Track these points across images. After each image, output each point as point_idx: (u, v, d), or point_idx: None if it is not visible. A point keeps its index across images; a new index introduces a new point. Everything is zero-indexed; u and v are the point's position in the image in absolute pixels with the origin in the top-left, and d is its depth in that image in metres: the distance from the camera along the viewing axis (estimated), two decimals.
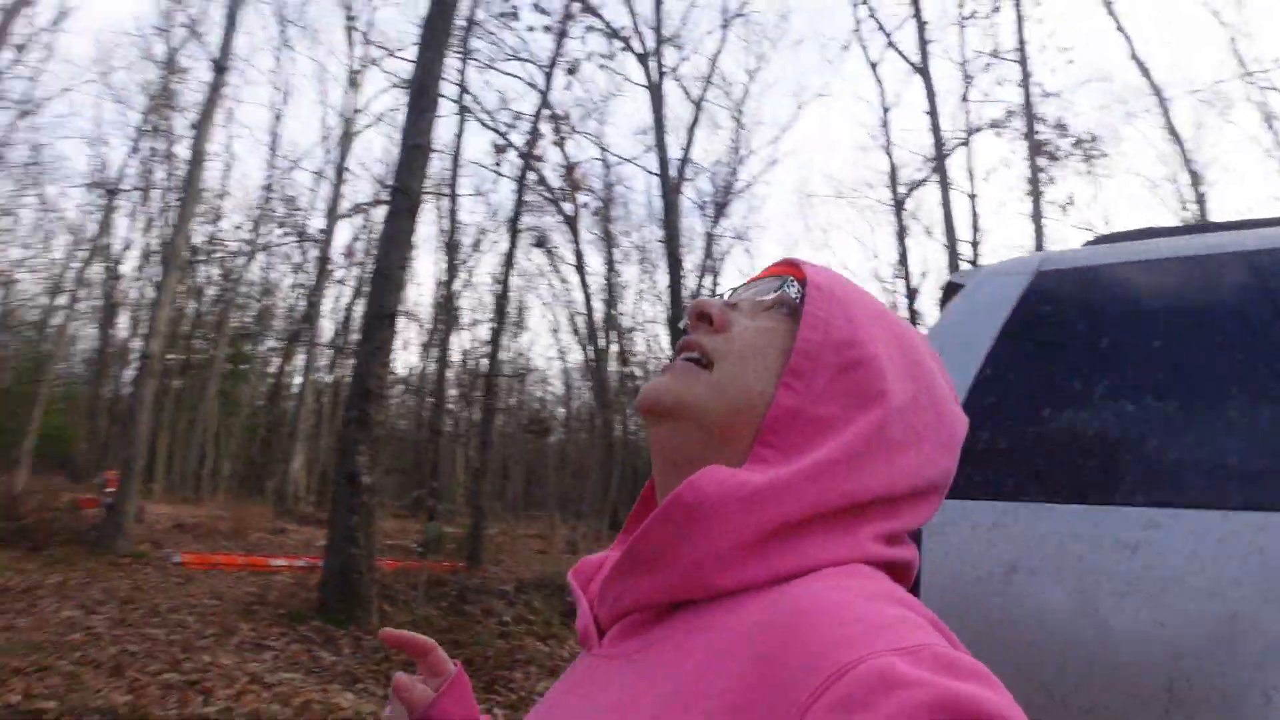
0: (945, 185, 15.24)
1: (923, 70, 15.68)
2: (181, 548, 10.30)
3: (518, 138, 16.51)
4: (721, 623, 0.44)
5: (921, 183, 22.00)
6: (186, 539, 11.80)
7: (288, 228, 26.38)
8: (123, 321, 27.09)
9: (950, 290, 2.17)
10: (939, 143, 15.19)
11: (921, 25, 15.77)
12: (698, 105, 22.46)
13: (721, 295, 0.60)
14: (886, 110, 20.53)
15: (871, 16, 17.66)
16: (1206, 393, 1.61)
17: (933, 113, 15.34)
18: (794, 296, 0.57)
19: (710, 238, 27.51)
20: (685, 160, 20.58)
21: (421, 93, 8.61)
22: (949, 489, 0.55)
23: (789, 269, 0.60)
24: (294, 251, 28.14)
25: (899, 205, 21.52)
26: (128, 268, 26.86)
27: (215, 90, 11.98)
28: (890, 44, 18.04)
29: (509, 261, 13.52)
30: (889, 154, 21.09)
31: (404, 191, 8.32)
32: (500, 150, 14.39)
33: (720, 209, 27.79)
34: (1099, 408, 1.67)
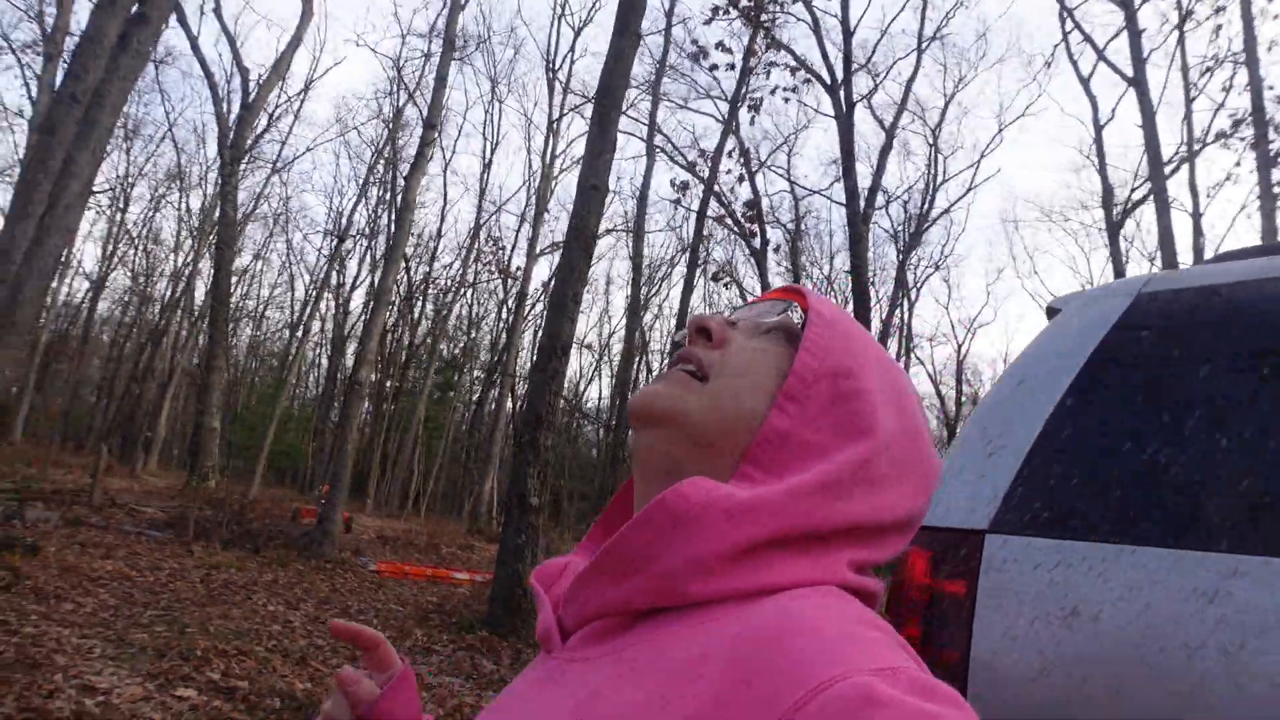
0: (1164, 205, 13.84)
1: (1137, 82, 14.41)
2: (379, 557, 11.28)
3: (706, 173, 16.95)
4: (696, 631, 0.44)
5: (1139, 203, 20.18)
6: (385, 550, 12.89)
7: (492, 266, 28.34)
8: (350, 351, 30.23)
9: (1051, 315, 2.03)
10: (1155, 159, 13.85)
11: (1135, 34, 14.53)
12: (890, 132, 21.93)
13: (723, 313, 0.61)
14: (1100, 127, 19.09)
15: (1077, 28, 16.44)
16: None
17: (1148, 127, 14.03)
18: (795, 321, 0.58)
19: (902, 267, 26.65)
20: (875, 189, 20.13)
21: (599, 137, 9.05)
22: (919, 525, 0.55)
23: (792, 296, 0.60)
24: (498, 288, 30.27)
25: (1115, 228, 19.79)
26: (355, 304, 30.02)
27: (425, 145, 13.24)
28: (1101, 57, 16.79)
29: (687, 294, 13.76)
30: (1102, 174, 19.54)
31: (579, 230, 8.75)
32: (682, 188, 14.74)
33: (914, 238, 26.85)
34: (1188, 443, 1.51)
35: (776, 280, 28.11)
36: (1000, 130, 29.55)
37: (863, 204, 17.93)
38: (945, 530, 1.66)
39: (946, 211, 26.10)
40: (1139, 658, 1.37)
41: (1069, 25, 17.10)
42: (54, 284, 26.67)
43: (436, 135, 13.06)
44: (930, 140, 25.03)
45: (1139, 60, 14.00)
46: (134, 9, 6.86)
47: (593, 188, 8.67)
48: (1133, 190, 20.68)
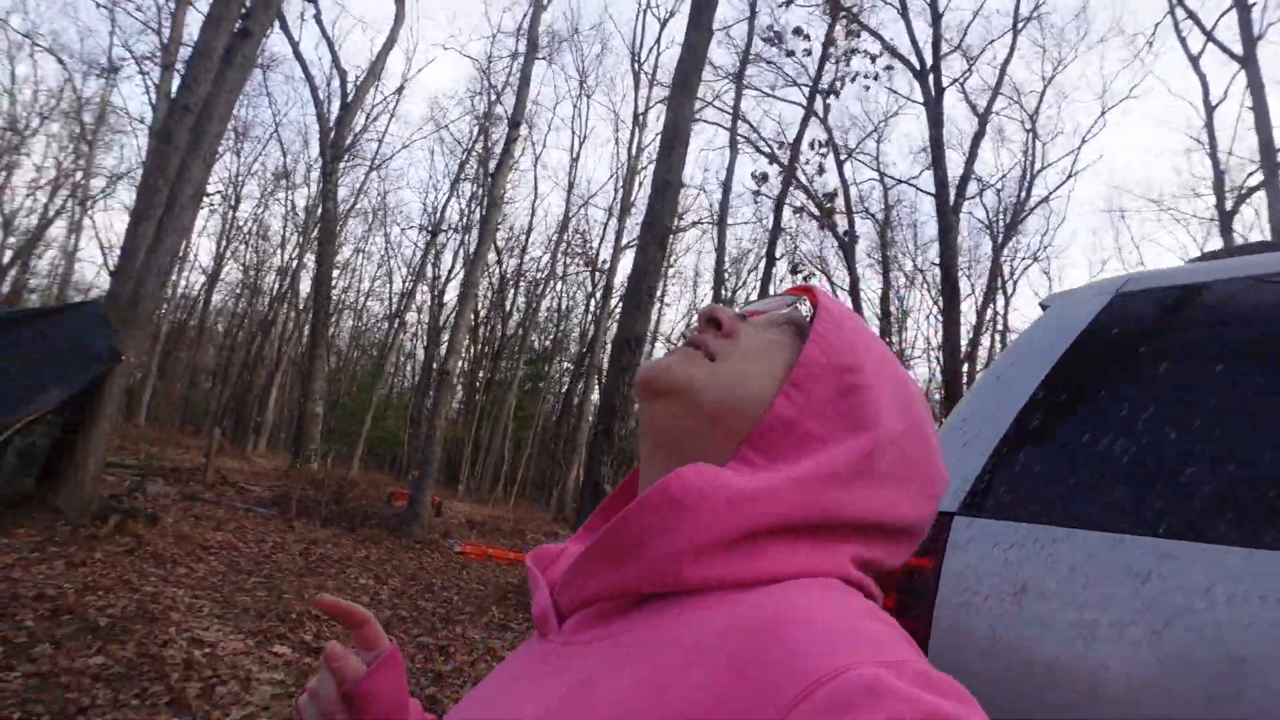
0: (1275, 192, 13.07)
1: (1246, 61, 13.63)
2: (466, 540, 11.83)
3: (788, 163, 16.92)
4: (695, 617, 0.44)
5: (1254, 190, 19.00)
6: (472, 533, 13.49)
7: (580, 259, 28.91)
8: (444, 341, 31.36)
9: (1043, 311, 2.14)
10: (1266, 144, 13.07)
11: (1245, 9, 13.73)
12: (983, 118, 21.29)
13: (735, 307, 0.62)
14: (1211, 108, 18.06)
15: (1182, 6, 15.62)
16: (1256, 423, 1.52)
17: (1259, 109, 13.26)
18: (804, 316, 0.59)
19: (997, 258, 25.83)
20: (966, 177, 19.62)
21: (673, 133, 9.22)
22: (924, 535, 0.55)
23: (804, 293, 0.62)
24: (586, 280, 30.86)
25: (1227, 216, 18.71)
26: (450, 296, 31.12)
27: (510, 143, 13.71)
28: (1209, 37, 15.91)
29: (765, 286, 13.80)
30: (1213, 158, 18.49)
31: (653, 225, 8.95)
32: (760, 180, 14.77)
33: (1010, 228, 25.98)
34: (1139, 435, 1.62)
35: (866, 272, 27.65)
36: (1103, 113, 28.17)
37: (953, 193, 17.54)
38: None
39: (1045, 200, 25.15)
40: (1076, 634, 1.49)
41: (1174, 1, 16.26)
42: (172, 278, 28.63)
43: (520, 134, 13.48)
44: (1028, 125, 24.14)
45: (1249, 38, 13.24)
46: (238, 24, 7.44)
47: (666, 183, 8.86)
48: (1248, 175, 19.48)
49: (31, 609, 4.22)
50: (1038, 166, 24.49)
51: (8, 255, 30.93)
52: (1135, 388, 1.70)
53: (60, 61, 35.03)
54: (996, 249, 25.09)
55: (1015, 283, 28.11)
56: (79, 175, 28.99)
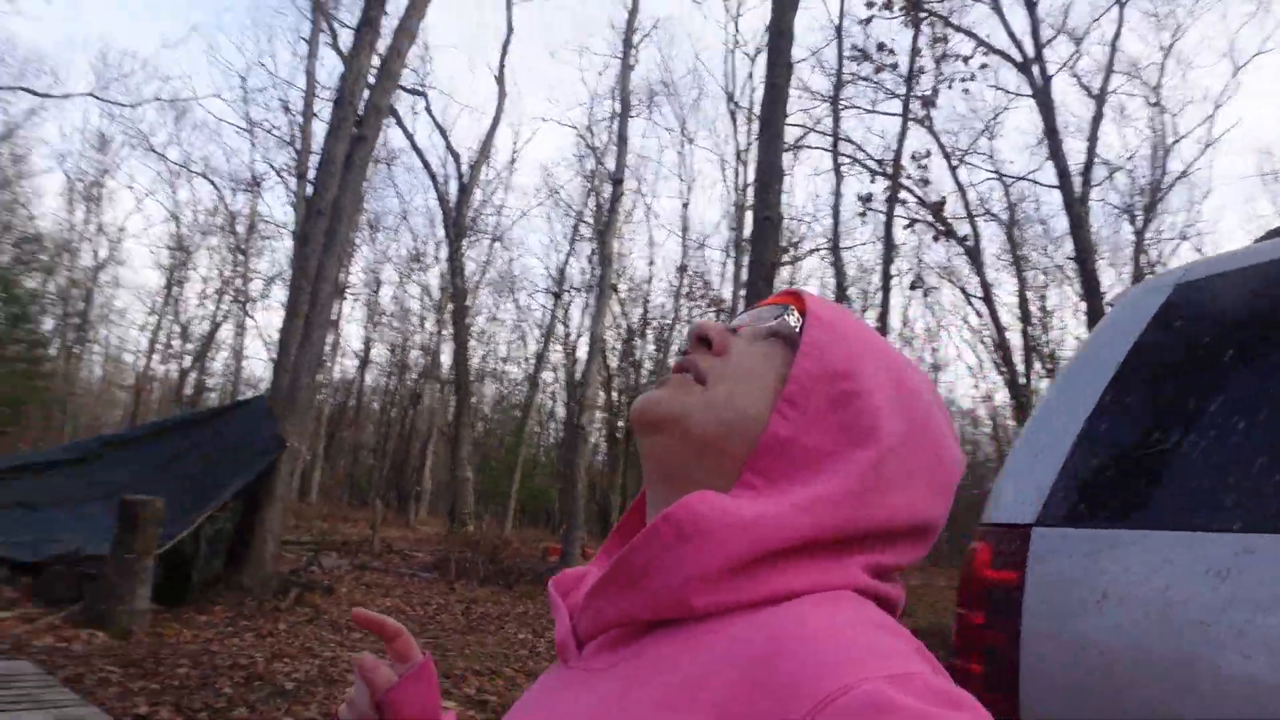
0: None
1: None
2: None
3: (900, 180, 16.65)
4: (707, 640, 0.44)
5: None
6: None
7: (702, 300, 29.20)
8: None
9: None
10: None
11: None
12: (1099, 99, 20.22)
13: (725, 321, 0.73)
14: None
15: None
16: None
17: None
18: (792, 325, 0.57)
19: (1140, 243, 24.17)
20: (1090, 164, 18.65)
21: (767, 171, 9.35)
22: (939, 531, 0.54)
23: (792, 299, 0.60)
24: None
25: None
26: (581, 352, 32.06)
27: (615, 200, 14.24)
28: None
29: (885, 305, 13.54)
30: None
31: (758, 261, 9.07)
32: (865, 201, 14.60)
33: (1149, 209, 24.32)
34: (1207, 428, 1.62)
35: (1001, 275, 26.44)
36: (1235, 73, 26.03)
37: (1079, 183, 16.70)
38: (1001, 526, 1.85)
39: (1184, 175, 23.38)
40: (1160, 636, 1.48)
41: None
42: (327, 365, 30.90)
43: (625, 190, 13.97)
44: (1151, 100, 22.68)
45: None
46: (354, 132, 8.21)
47: (765, 219, 8.95)
48: None
49: (229, 677, 4.73)
50: (1169, 140, 22.88)
51: (188, 360, 34.44)
52: (1201, 380, 1.70)
53: (212, 183, 39.11)
54: (1139, 233, 23.53)
55: (1166, 265, 26.13)
56: (239, 281, 32.00)
